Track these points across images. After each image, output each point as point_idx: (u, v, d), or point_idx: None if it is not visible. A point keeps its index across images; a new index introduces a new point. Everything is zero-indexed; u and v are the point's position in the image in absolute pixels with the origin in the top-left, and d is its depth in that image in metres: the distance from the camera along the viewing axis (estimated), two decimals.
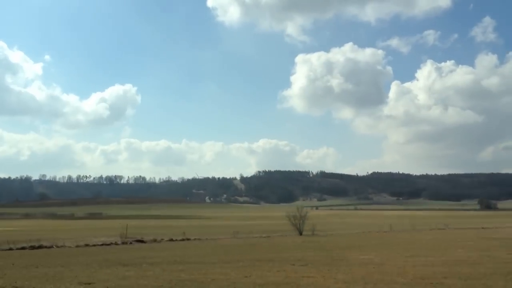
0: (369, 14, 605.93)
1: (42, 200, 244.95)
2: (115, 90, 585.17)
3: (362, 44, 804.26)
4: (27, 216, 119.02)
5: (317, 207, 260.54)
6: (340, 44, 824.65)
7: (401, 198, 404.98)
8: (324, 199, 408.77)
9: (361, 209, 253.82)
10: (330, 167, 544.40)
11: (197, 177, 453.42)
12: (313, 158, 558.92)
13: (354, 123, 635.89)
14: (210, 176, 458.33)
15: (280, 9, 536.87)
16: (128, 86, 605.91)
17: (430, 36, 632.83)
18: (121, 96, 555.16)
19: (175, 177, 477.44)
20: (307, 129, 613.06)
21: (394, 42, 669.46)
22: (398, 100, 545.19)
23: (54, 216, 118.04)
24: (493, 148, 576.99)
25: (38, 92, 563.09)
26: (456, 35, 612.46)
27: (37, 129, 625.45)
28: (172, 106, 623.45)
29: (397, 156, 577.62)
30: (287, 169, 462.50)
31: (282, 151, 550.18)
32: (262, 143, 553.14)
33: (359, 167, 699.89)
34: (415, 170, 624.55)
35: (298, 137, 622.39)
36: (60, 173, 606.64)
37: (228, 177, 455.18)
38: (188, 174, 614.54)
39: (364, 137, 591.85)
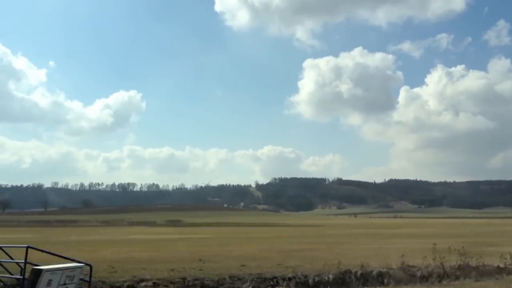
0: (381, 17, 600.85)
1: (86, 207, 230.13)
2: (120, 97, 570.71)
3: (372, 48, 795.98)
4: (107, 223, 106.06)
5: (355, 215, 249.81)
6: (349, 48, 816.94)
7: (422, 206, 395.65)
8: (344, 207, 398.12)
9: (400, 217, 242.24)
10: (336, 174, 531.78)
11: (210, 185, 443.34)
12: (319, 165, 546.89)
13: (362, 130, 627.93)
14: (225, 184, 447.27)
15: (290, 13, 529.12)
16: (133, 93, 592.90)
17: (443, 39, 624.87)
18: (125, 103, 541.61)
19: (188, 185, 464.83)
20: (313, 135, 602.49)
21: (406, 46, 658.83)
22: (408, 106, 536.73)
23: (138, 224, 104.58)
24: (504, 154, 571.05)
25: (42, 99, 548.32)
26: (470, 39, 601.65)
27: (39, 136, 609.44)
28: (177, 112, 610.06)
29: (406, 163, 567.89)
30: (303, 176, 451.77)
31: (287, 158, 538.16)
32: (266, 150, 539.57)
33: (366, 174, 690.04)
34: (425, 177, 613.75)
35: (304, 143, 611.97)
36: (62, 181, 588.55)
37: (242, 185, 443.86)
38: (193, 182, 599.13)
39: (372, 144, 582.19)
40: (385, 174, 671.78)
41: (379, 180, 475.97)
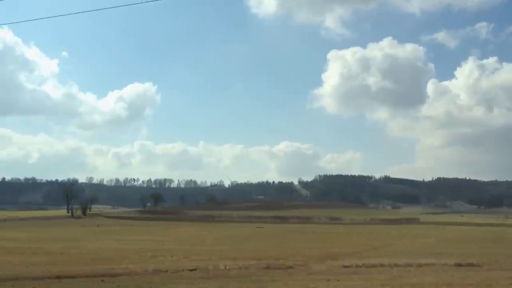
0: (415, 5, 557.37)
1: (210, 203, 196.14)
2: (134, 89, 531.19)
3: (402, 38, 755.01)
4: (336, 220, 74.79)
5: (462, 215, 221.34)
6: (378, 38, 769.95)
7: (482, 207, 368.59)
8: (398, 207, 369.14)
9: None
10: (357, 172, 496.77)
11: (231, 181, 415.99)
12: (338, 163, 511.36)
13: (388, 125, 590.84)
14: (264, 181, 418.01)
15: None
16: (148, 85, 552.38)
17: (483, 29, 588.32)
18: (140, 95, 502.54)
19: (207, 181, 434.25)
20: (335, 131, 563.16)
21: (441, 35, 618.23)
22: (438, 100, 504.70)
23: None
24: None
25: (53, 91, 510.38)
26: (511, 28, 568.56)
27: (49, 130, 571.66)
28: (193, 106, 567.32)
29: (432, 161, 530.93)
30: (348, 174, 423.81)
31: (305, 155, 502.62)
32: (283, 146, 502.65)
33: (389, 172, 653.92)
34: (453, 174, 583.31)
35: (324, 139, 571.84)
36: (68, 176, 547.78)
37: (284, 182, 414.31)
38: (203, 179, 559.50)
39: (397, 140, 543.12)
40: (409, 172, 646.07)
41: (427, 178, 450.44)
